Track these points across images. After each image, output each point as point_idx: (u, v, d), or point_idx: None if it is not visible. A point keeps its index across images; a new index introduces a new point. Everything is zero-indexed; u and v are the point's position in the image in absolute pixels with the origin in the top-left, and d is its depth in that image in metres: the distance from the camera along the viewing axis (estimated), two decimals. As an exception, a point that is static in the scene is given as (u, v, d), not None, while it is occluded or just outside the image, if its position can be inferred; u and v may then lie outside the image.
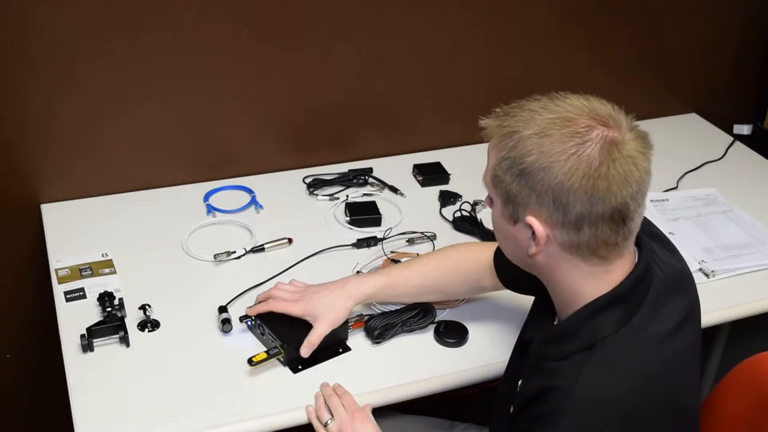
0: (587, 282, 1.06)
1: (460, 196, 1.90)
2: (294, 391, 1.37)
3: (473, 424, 1.56)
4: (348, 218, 1.81)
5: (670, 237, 1.25)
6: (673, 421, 1.10)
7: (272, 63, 1.85)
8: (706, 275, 1.68)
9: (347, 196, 1.89)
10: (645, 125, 1.05)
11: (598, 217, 1.01)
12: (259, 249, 1.70)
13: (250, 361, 1.37)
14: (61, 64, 1.68)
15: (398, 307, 1.52)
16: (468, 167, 1.83)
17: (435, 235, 1.76)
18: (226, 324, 1.47)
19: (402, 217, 1.83)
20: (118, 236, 1.72)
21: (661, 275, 1.11)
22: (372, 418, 1.33)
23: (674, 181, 2.02)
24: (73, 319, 1.48)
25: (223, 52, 1.80)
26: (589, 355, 1.04)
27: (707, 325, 1.47)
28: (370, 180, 1.95)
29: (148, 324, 1.49)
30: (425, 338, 1.50)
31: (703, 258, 1.72)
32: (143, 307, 1.50)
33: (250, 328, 1.48)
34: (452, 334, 1.49)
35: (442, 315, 1.54)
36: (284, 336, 1.41)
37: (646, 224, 1.14)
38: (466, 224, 1.80)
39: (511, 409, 1.15)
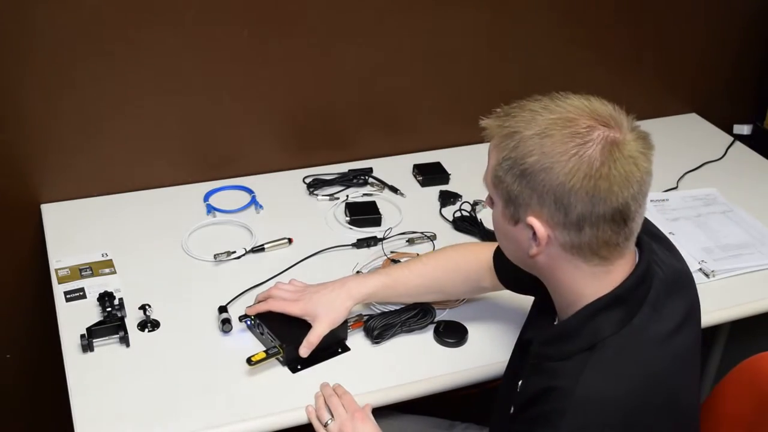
0: (588, 282, 1.06)
1: (460, 196, 1.90)
2: (293, 391, 1.37)
3: (473, 424, 1.56)
4: (348, 218, 1.81)
5: (670, 237, 1.25)
6: (673, 422, 1.10)
7: (272, 63, 1.85)
8: (706, 275, 1.68)
9: (347, 196, 1.89)
10: (645, 125, 1.05)
11: (600, 218, 1.00)
12: (259, 249, 1.70)
13: (248, 361, 1.37)
14: (61, 64, 1.68)
15: (398, 307, 1.52)
16: (468, 167, 1.84)
17: (435, 235, 1.76)
18: (226, 324, 1.47)
19: (402, 217, 1.83)
20: (118, 236, 1.72)
21: (661, 275, 1.11)
22: (372, 418, 1.33)
23: (674, 181, 2.02)
24: (73, 319, 1.48)
25: (223, 52, 1.80)
26: (590, 356, 1.04)
27: (707, 325, 1.47)
28: (370, 180, 1.95)
29: (148, 324, 1.49)
30: (425, 338, 1.50)
31: (703, 258, 1.72)
32: (143, 307, 1.50)
33: (249, 327, 1.48)
34: (452, 334, 1.49)
35: (442, 315, 1.54)
36: (283, 336, 1.41)
37: (646, 224, 1.14)
38: (466, 224, 1.80)
39: (512, 409, 1.15)
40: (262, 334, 1.45)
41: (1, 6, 1.58)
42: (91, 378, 1.38)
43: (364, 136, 2.03)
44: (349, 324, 1.48)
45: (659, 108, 2.30)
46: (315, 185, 1.91)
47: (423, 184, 1.97)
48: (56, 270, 1.61)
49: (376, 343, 1.47)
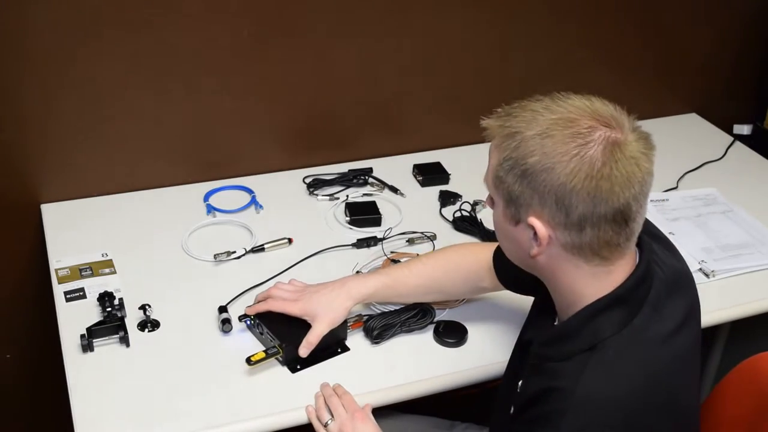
0: (589, 283, 1.06)
1: (460, 196, 1.90)
2: (293, 391, 1.37)
3: (473, 424, 1.56)
4: (348, 218, 1.81)
5: (670, 237, 1.25)
6: (673, 422, 1.10)
7: (272, 63, 1.85)
8: (706, 275, 1.68)
9: (347, 196, 1.89)
10: (645, 125, 1.05)
11: (601, 218, 1.00)
12: (259, 249, 1.70)
13: (248, 361, 1.37)
14: (60, 63, 1.68)
15: (397, 308, 1.52)
16: (468, 167, 1.84)
17: (435, 235, 1.76)
18: (226, 324, 1.47)
19: (402, 217, 1.83)
20: (118, 236, 1.72)
21: (661, 276, 1.11)
22: (372, 418, 1.33)
23: (674, 181, 2.02)
24: (73, 319, 1.48)
25: (223, 52, 1.80)
26: (590, 356, 1.03)
27: (707, 325, 1.47)
28: (370, 180, 1.95)
29: (148, 324, 1.49)
30: (424, 338, 1.50)
31: (703, 258, 1.72)
32: (143, 307, 1.50)
33: (248, 327, 1.48)
34: (452, 334, 1.49)
35: (442, 315, 1.53)
36: (283, 335, 1.41)
37: (646, 224, 1.13)
38: (466, 224, 1.80)
39: (512, 409, 1.15)
40: (261, 333, 1.45)
41: (0, 6, 1.58)
42: (91, 378, 1.38)
43: (364, 135, 2.03)
44: (348, 324, 1.48)
45: (659, 108, 2.30)
46: (315, 185, 1.91)
47: (423, 184, 1.96)
48: (56, 270, 1.61)
49: (376, 343, 1.47)
